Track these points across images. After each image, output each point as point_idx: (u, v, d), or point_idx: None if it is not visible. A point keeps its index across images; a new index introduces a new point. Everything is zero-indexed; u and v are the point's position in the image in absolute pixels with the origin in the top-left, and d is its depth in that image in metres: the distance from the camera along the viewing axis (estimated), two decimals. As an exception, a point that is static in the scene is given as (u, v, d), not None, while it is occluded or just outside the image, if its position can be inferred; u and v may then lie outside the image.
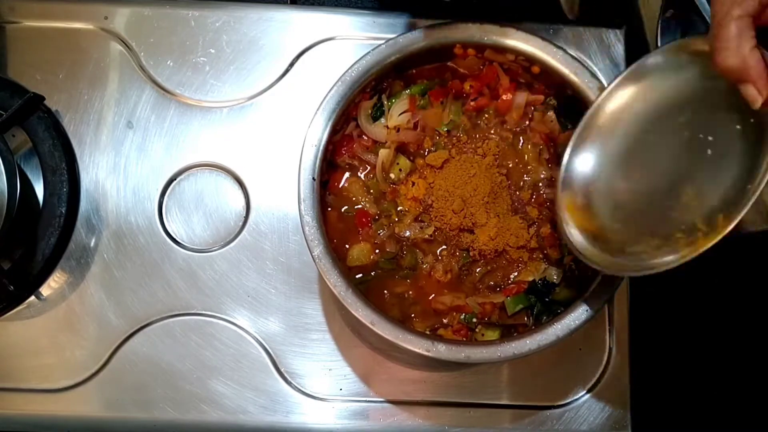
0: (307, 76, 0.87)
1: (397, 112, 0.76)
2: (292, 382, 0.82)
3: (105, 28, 0.87)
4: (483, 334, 0.74)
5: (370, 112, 0.77)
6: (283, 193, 0.85)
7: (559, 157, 0.75)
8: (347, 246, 0.75)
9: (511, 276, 0.75)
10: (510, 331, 0.74)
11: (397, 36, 0.73)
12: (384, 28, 0.88)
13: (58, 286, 0.83)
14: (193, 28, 0.88)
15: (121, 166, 0.85)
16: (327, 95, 0.72)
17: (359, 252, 0.74)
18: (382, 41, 0.73)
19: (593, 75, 0.72)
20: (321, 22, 0.88)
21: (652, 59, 0.66)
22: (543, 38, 0.73)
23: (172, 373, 0.81)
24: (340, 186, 0.77)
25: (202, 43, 0.88)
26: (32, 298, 0.81)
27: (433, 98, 0.77)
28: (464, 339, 0.73)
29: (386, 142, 0.76)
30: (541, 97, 0.77)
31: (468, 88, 0.77)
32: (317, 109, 0.71)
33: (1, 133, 0.78)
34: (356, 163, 0.77)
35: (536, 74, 0.75)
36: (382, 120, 0.76)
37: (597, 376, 0.83)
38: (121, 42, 0.87)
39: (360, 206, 0.76)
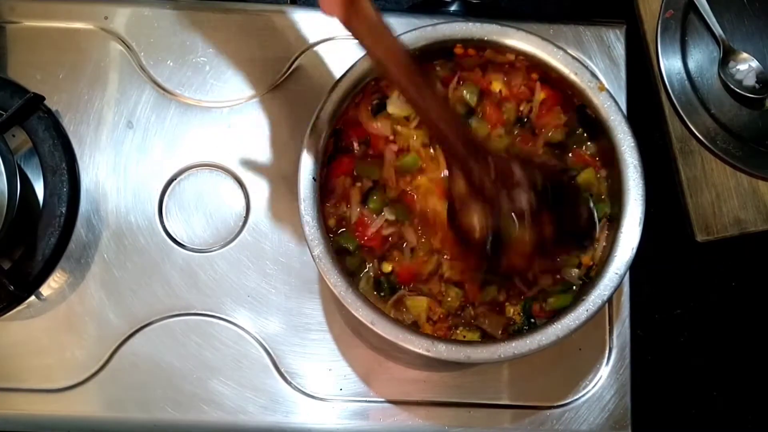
0: (307, 76, 0.87)
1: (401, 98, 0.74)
2: (292, 382, 0.82)
3: (105, 28, 0.87)
4: (464, 336, 0.73)
5: (369, 108, 0.76)
6: (283, 193, 0.85)
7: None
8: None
9: None
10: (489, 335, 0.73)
11: (397, 36, 0.73)
12: (384, 28, 0.88)
13: (58, 286, 0.83)
14: (193, 28, 0.88)
15: (121, 166, 0.85)
16: (327, 95, 0.72)
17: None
18: (382, 41, 0.72)
19: (593, 75, 0.72)
20: (321, 22, 0.88)
21: None
22: (543, 38, 0.73)
23: (172, 373, 0.81)
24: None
25: (202, 43, 0.88)
26: (32, 298, 0.81)
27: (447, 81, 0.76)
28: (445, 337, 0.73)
29: (391, 135, 0.75)
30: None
31: (498, 91, 0.76)
32: (317, 109, 0.71)
33: (1, 133, 0.78)
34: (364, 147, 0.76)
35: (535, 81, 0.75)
36: (384, 111, 0.76)
37: (597, 376, 0.83)
38: (121, 42, 0.87)
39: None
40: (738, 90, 0.93)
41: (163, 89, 0.87)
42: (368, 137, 0.76)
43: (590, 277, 0.71)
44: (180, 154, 0.86)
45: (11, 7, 0.87)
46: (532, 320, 0.72)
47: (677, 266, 0.95)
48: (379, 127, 0.75)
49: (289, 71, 0.87)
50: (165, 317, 0.82)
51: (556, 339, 0.67)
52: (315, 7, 0.93)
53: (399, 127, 0.75)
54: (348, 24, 0.57)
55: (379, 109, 0.76)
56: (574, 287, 0.72)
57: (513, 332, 0.72)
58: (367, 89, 0.74)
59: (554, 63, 0.73)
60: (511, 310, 0.73)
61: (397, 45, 0.59)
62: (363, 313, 0.67)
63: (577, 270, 0.73)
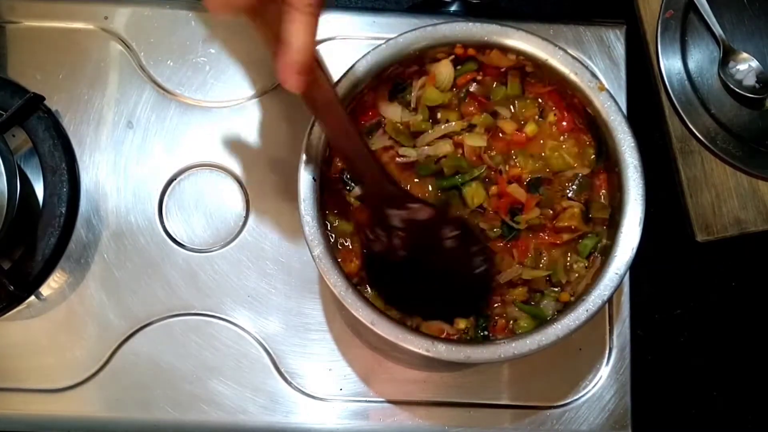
0: (307, 76, 0.87)
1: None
2: (292, 382, 0.82)
3: (105, 28, 0.87)
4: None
5: (386, 93, 0.76)
6: (283, 193, 0.85)
7: None
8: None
9: None
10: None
11: (397, 36, 0.73)
12: (384, 28, 0.88)
13: (58, 286, 0.83)
14: (193, 28, 0.88)
15: (121, 166, 0.85)
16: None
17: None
18: (382, 41, 0.73)
19: (593, 75, 0.72)
20: (321, 22, 0.88)
21: None
22: (543, 38, 0.73)
23: (172, 373, 0.81)
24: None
25: (202, 43, 0.88)
26: (32, 298, 0.81)
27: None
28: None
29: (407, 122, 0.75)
30: None
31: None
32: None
33: (1, 133, 0.78)
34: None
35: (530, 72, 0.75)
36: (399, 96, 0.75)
37: (597, 376, 0.83)
38: (121, 42, 0.87)
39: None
40: (738, 90, 0.93)
41: (163, 89, 0.87)
42: (381, 121, 0.76)
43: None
44: (180, 154, 0.86)
45: (11, 7, 0.87)
46: (485, 333, 0.72)
47: (677, 266, 0.95)
48: (393, 111, 0.75)
49: (289, 71, 0.87)
50: (165, 317, 0.82)
51: (556, 339, 0.66)
52: (315, 7, 0.93)
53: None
54: (306, 96, 0.63)
55: (400, 90, 0.76)
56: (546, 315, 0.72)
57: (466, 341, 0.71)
58: (366, 88, 0.74)
59: (554, 63, 0.73)
60: (463, 323, 0.72)
61: (344, 117, 0.67)
62: (363, 313, 0.67)
63: (553, 304, 0.72)
